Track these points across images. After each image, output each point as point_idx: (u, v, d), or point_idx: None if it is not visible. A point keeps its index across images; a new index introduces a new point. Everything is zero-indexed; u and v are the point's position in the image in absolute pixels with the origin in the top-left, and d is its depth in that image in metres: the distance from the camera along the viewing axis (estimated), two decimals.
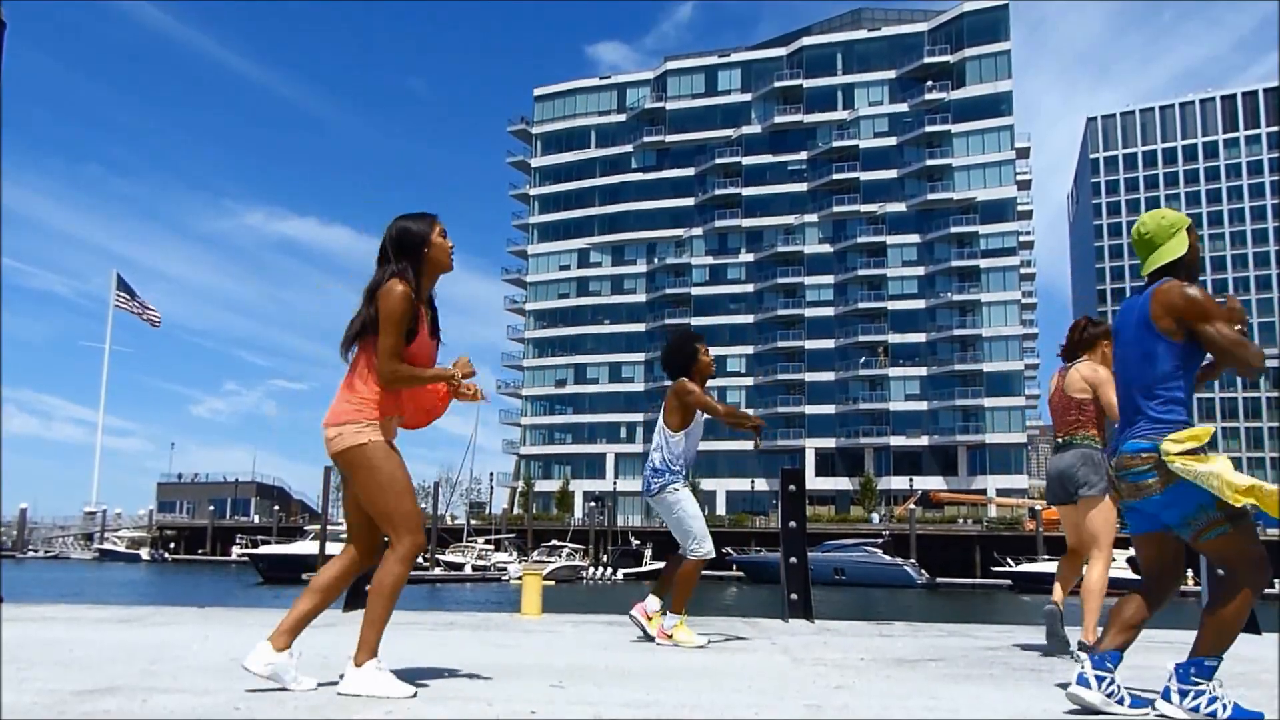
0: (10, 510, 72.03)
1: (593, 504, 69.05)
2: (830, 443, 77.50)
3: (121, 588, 37.84)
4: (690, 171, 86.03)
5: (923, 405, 76.64)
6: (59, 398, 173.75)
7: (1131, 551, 46.39)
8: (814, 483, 69.68)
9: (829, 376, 78.95)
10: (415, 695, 2.85)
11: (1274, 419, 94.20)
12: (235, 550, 61.20)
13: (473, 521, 65.61)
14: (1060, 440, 4.75)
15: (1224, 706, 2.76)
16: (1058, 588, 4.83)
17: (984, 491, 69.94)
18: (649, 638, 4.85)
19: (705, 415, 4.99)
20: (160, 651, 3.87)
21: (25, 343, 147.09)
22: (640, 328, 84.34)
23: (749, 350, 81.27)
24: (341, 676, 2.92)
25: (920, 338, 78.07)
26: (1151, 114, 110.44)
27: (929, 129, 78.62)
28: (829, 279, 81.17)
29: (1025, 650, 4.84)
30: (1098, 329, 4.78)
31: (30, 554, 69.06)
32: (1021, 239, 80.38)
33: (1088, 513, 4.57)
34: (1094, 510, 4.55)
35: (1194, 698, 2.78)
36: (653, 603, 4.94)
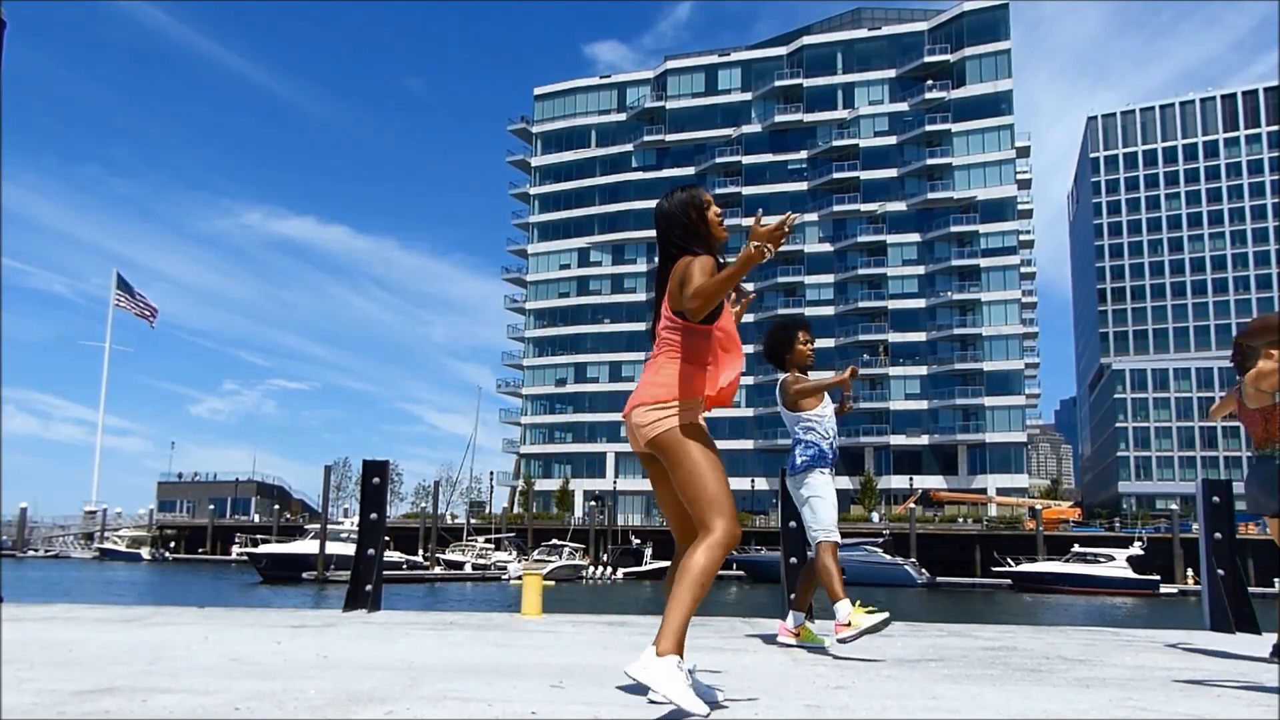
0: (10, 510, 72.20)
1: (593, 503, 69.03)
2: None
3: (122, 587, 37.87)
4: (690, 171, 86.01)
5: (923, 404, 76.67)
6: (59, 398, 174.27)
7: (1131, 551, 46.02)
8: None
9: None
10: (708, 716, 2.46)
11: None
12: (235, 549, 61.27)
13: (473, 520, 65.64)
14: (1257, 454, 4.77)
15: None
16: None
17: (984, 491, 70.01)
18: (819, 650, 4.52)
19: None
20: (160, 651, 3.87)
21: (25, 343, 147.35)
22: (640, 327, 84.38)
23: (749, 349, 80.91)
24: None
25: (920, 337, 78.10)
26: (1151, 113, 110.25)
27: (929, 128, 78.66)
28: (829, 278, 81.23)
29: (1025, 651, 4.84)
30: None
31: (30, 553, 69.13)
32: (1021, 238, 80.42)
33: None
34: None
35: None
36: (794, 619, 4.83)
